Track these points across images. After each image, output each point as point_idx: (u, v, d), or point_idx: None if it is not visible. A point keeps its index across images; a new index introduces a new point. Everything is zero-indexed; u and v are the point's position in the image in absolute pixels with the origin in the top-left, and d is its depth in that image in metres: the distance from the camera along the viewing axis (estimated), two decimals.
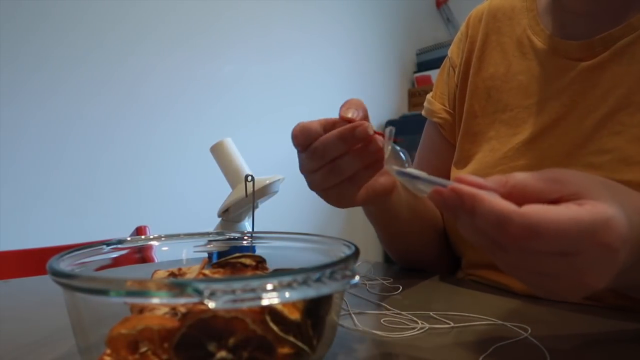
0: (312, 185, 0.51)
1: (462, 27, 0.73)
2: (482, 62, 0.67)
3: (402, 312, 0.48)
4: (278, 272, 0.37)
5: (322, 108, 2.62)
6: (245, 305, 0.29)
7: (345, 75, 2.74)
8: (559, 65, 0.58)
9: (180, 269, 0.44)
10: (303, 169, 0.50)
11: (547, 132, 0.57)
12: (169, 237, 0.48)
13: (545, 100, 0.58)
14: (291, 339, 0.32)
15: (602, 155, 0.52)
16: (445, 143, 0.72)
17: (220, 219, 0.80)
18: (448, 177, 0.68)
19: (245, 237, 0.51)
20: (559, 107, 0.57)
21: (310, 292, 0.30)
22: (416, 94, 2.86)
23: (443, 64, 0.75)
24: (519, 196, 0.32)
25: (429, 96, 0.75)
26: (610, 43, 0.54)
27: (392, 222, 0.64)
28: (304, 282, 0.30)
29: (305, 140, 0.47)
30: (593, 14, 0.57)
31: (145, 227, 1.17)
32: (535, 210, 0.30)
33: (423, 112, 0.75)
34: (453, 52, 0.73)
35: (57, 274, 0.32)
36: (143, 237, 0.48)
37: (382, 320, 0.47)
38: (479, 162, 0.63)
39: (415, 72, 2.96)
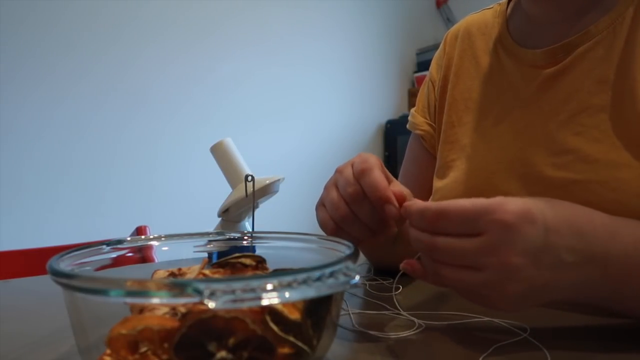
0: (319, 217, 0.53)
1: (441, 46, 0.77)
2: (459, 76, 0.71)
3: (402, 312, 0.48)
4: (278, 272, 0.37)
5: (322, 108, 2.63)
6: (245, 305, 0.29)
7: (345, 75, 2.74)
8: (526, 74, 0.61)
9: (180, 269, 0.44)
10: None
11: (517, 138, 0.60)
12: (169, 237, 0.48)
13: (514, 108, 0.62)
14: (291, 339, 0.32)
15: (564, 156, 0.55)
16: (427, 155, 0.76)
17: (220, 219, 0.80)
18: (430, 188, 0.71)
19: (245, 237, 0.51)
20: (527, 114, 0.60)
21: (310, 292, 0.30)
22: (416, 94, 2.85)
23: (424, 80, 0.80)
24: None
25: (412, 110, 0.79)
26: (570, 49, 0.57)
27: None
28: (304, 282, 0.30)
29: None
30: (555, 24, 0.60)
31: (145, 227, 1.17)
32: (447, 202, 0.39)
33: (408, 126, 0.79)
34: (433, 69, 0.77)
35: (57, 274, 0.32)
36: (143, 237, 0.48)
37: (381, 320, 0.47)
38: (458, 170, 0.66)
39: (415, 72, 2.96)
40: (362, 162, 0.48)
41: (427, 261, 0.41)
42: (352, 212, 0.48)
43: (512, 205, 0.37)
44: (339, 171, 0.51)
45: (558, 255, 0.38)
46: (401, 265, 0.43)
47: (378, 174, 0.47)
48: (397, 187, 0.49)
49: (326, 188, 0.52)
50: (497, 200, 0.37)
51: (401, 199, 0.46)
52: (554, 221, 0.39)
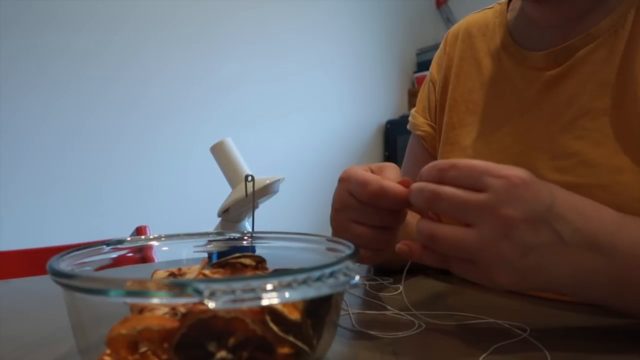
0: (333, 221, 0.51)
1: (441, 45, 0.76)
2: (460, 77, 0.70)
3: (402, 312, 0.48)
4: (278, 272, 0.37)
5: (323, 108, 2.63)
6: (245, 305, 0.29)
7: (346, 76, 2.74)
8: (527, 76, 0.61)
9: (180, 269, 0.44)
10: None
11: (518, 141, 0.60)
12: (169, 237, 0.48)
13: (515, 111, 0.61)
14: (291, 339, 0.32)
15: (567, 159, 0.55)
16: (428, 155, 0.75)
17: (220, 219, 0.80)
18: None
19: (245, 237, 0.51)
20: (529, 117, 0.60)
21: (310, 292, 0.30)
22: (416, 94, 2.86)
23: (424, 80, 0.79)
24: None
25: (413, 111, 0.79)
26: (572, 52, 0.57)
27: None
28: (304, 282, 0.30)
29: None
30: (556, 26, 0.60)
31: (145, 227, 1.18)
32: (459, 158, 0.40)
33: (408, 126, 0.79)
34: (433, 69, 0.76)
35: (57, 274, 0.32)
36: (143, 237, 0.48)
37: (381, 320, 0.47)
38: None
39: (415, 72, 2.96)
40: (362, 186, 0.45)
41: (424, 223, 0.40)
42: (389, 232, 0.47)
43: (522, 171, 0.38)
44: (340, 207, 0.48)
45: (560, 232, 0.38)
46: (397, 246, 0.42)
47: (392, 188, 0.44)
48: (392, 174, 0.47)
49: (341, 228, 0.48)
50: (506, 166, 0.38)
51: (408, 185, 0.45)
52: (562, 199, 0.39)
